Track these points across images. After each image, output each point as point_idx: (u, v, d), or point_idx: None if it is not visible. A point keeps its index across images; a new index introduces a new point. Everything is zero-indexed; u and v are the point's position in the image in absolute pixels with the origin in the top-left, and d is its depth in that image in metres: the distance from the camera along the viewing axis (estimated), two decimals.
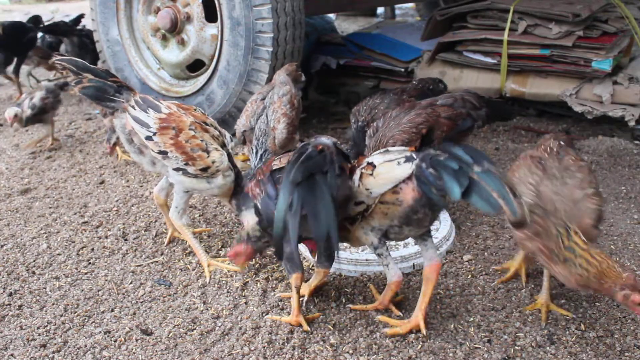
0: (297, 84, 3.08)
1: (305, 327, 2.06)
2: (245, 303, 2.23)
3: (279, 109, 2.80)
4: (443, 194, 1.78)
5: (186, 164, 2.31)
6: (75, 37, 5.30)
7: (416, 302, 2.17)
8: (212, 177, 2.36)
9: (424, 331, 1.99)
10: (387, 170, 1.91)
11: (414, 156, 1.88)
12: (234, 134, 2.90)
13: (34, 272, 2.51)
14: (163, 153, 2.32)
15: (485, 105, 2.76)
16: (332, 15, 7.29)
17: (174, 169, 2.36)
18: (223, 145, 2.41)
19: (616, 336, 1.98)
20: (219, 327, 2.10)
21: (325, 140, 1.91)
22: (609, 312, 2.10)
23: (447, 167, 1.73)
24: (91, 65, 2.41)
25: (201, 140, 2.32)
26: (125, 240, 2.75)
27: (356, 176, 1.97)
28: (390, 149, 2.07)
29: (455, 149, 1.79)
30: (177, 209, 2.48)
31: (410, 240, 2.51)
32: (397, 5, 8.58)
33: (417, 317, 2.01)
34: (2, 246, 2.73)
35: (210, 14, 3.73)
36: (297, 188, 1.74)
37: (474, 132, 2.85)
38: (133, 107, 2.35)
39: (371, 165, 1.95)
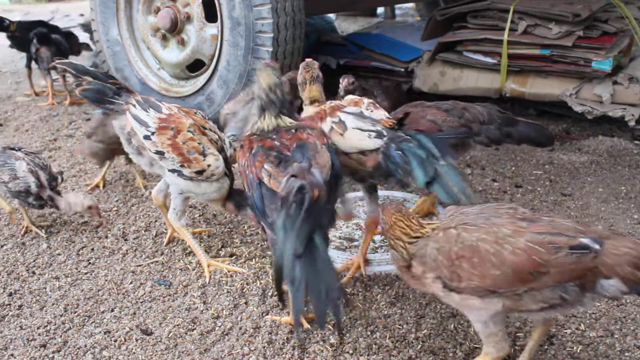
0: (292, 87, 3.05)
1: (306, 325, 2.06)
2: (245, 303, 2.23)
3: None
4: (407, 176, 1.92)
5: (182, 166, 2.31)
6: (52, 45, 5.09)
7: (416, 301, 2.18)
8: (207, 180, 2.35)
9: (362, 271, 2.33)
10: (357, 138, 2.06)
11: (385, 133, 2.03)
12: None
13: (34, 272, 2.51)
14: (160, 153, 2.31)
15: (504, 123, 2.49)
16: (332, 15, 7.29)
17: (169, 170, 2.36)
18: (221, 150, 2.40)
19: (616, 336, 1.98)
20: (219, 327, 2.10)
21: (317, 177, 1.77)
22: (609, 312, 2.10)
23: (416, 155, 1.89)
24: (91, 68, 2.43)
25: (198, 143, 2.31)
26: (125, 240, 2.75)
27: (326, 126, 2.13)
28: (365, 113, 2.15)
29: (424, 139, 1.94)
30: (175, 210, 2.48)
31: None
32: (397, 5, 8.57)
33: (359, 259, 2.35)
34: (2, 246, 2.73)
35: (210, 14, 3.73)
36: (298, 261, 1.61)
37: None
38: (134, 105, 2.35)
39: (343, 124, 2.10)
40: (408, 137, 1.97)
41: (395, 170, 1.96)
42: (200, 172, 2.31)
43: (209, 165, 2.31)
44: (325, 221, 1.78)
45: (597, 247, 1.49)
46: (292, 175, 1.75)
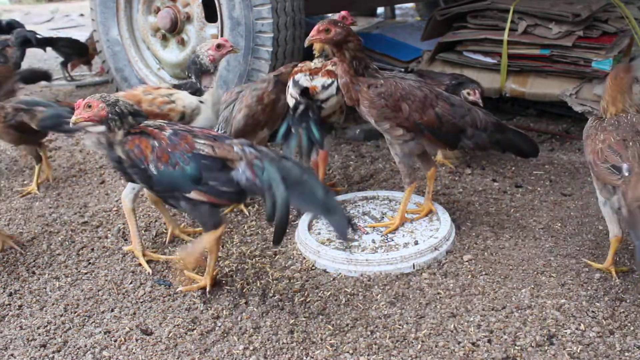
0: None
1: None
2: (245, 303, 2.23)
3: (245, 100, 2.86)
4: None
5: None
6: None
7: (416, 301, 2.18)
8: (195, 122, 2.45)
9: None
10: (289, 99, 2.77)
11: (299, 100, 2.68)
12: None
13: (34, 272, 2.51)
14: None
15: (495, 130, 2.49)
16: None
17: None
18: None
19: (616, 336, 1.98)
20: (219, 327, 2.10)
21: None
22: (609, 311, 2.10)
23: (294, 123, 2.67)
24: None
25: (160, 97, 2.36)
26: (125, 240, 2.75)
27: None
28: (302, 79, 2.72)
29: (310, 123, 2.62)
30: (134, 190, 2.51)
31: (410, 240, 2.53)
32: (397, 5, 8.57)
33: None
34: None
35: (210, 14, 3.73)
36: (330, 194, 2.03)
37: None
38: None
39: (288, 87, 2.76)
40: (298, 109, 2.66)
41: None
42: (183, 117, 2.41)
43: (184, 106, 2.41)
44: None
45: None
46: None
